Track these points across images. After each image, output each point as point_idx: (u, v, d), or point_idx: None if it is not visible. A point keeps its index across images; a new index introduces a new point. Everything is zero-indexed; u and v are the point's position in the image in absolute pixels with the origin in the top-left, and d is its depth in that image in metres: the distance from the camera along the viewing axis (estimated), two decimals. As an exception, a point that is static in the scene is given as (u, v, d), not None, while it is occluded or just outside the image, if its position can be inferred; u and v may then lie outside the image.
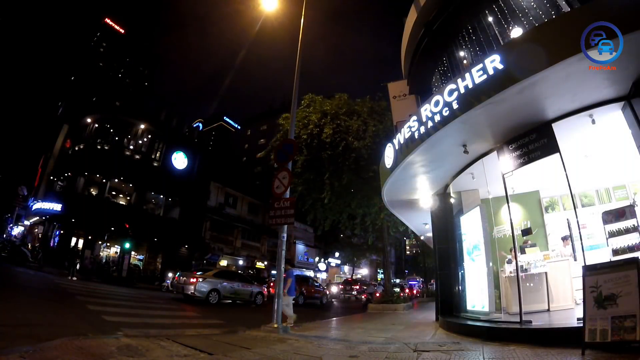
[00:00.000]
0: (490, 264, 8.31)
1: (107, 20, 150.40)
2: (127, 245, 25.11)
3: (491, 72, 6.29)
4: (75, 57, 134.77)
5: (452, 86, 7.20)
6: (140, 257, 30.82)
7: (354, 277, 46.67)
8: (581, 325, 4.72)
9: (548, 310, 7.97)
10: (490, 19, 9.72)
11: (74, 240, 28.74)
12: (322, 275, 48.95)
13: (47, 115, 59.29)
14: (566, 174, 6.41)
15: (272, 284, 22.49)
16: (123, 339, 5.47)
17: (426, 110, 7.96)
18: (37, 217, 32.75)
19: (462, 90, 6.89)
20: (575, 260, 8.13)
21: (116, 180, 30.79)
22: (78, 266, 21.96)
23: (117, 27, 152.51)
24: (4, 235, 36.23)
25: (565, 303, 8.02)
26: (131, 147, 31.79)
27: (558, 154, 6.46)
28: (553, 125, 6.64)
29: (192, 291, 15.31)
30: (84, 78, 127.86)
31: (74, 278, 19.76)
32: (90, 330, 6.22)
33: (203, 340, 6.32)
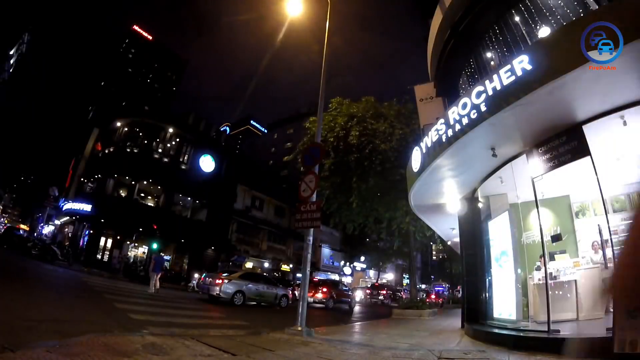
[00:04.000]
0: (519, 270, 8.09)
1: (136, 28, 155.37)
2: (155, 245, 25.63)
3: (519, 73, 6.13)
4: (105, 64, 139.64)
5: (479, 88, 7.06)
6: (167, 257, 31.37)
7: (379, 282, 46.33)
8: (610, 335, 4.52)
9: (577, 319, 7.67)
10: (517, 18, 9.50)
11: (102, 239, 29.66)
12: (348, 279, 48.74)
13: (79, 120, 61.25)
14: (597, 178, 6.15)
15: (296, 287, 22.59)
16: (148, 337, 5.51)
17: (454, 112, 7.85)
18: (68, 217, 33.94)
19: (490, 92, 6.75)
20: (606, 267, 7.82)
21: (145, 182, 31.48)
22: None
23: (145, 34, 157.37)
24: (35, 234, 37.51)
25: (594, 312, 7.71)
26: (160, 150, 32.45)
27: (589, 157, 6.21)
28: (583, 127, 6.39)
29: (218, 292, 15.45)
30: (113, 83, 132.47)
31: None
32: (117, 327, 6.34)
33: (227, 340, 6.33)
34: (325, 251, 48.50)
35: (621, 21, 4.74)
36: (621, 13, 4.94)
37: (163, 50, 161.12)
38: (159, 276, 17.66)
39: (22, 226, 51.46)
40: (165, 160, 32.28)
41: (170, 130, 32.72)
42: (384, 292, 36.38)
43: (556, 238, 8.79)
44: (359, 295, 34.37)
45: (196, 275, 24.37)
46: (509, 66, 6.36)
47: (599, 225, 8.27)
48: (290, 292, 20.28)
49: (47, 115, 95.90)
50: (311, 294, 21.87)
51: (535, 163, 7.37)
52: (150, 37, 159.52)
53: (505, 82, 6.40)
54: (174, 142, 33.26)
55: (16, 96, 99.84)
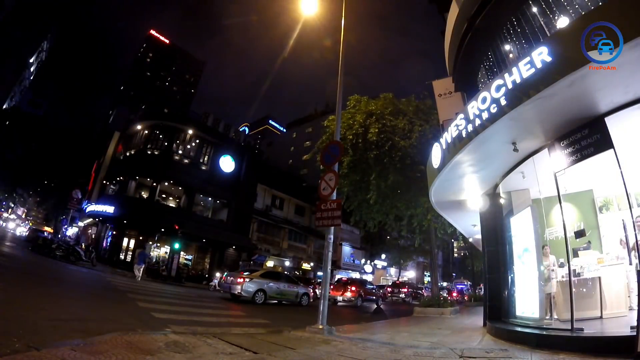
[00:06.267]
0: (542, 267, 7.92)
1: (153, 32, 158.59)
2: (177, 245, 26.03)
3: (539, 65, 5.98)
4: (124, 69, 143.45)
5: (499, 82, 6.93)
6: (189, 257, 31.71)
7: (400, 280, 46.10)
8: (634, 334, 4.39)
9: (600, 317, 7.46)
10: (534, 9, 9.28)
11: (125, 240, 30.22)
12: (368, 278, 48.66)
13: (100, 124, 62.74)
14: (621, 172, 5.95)
15: (317, 286, 22.68)
16: (171, 336, 5.60)
17: (473, 107, 7.73)
18: (91, 219, 34.71)
19: (510, 86, 6.61)
20: (630, 264, 7.58)
21: (166, 183, 31.80)
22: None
23: (162, 38, 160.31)
24: (59, 236, 38.29)
25: (618, 310, 7.49)
26: (180, 151, 32.67)
27: (612, 149, 6.00)
28: (606, 119, 6.19)
29: (239, 291, 15.61)
30: (133, 88, 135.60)
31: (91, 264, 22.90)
32: (140, 326, 6.45)
33: (248, 339, 6.39)
34: (346, 249, 48.44)
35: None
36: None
37: (180, 53, 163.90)
38: (142, 267, 21.53)
39: (46, 228, 52.67)
40: (186, 161, 32.54)
41: (190, 131, 32.96)
42: (405, 290, 36.09)
43: (580, 234, 8.59)
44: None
45: (218, 275, 24.76)
46: (528, 58, 6.21)
47: (623, 220, 8.04)
48: (311, 291, 20.36)
49: (69, 120, 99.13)
50: (340, 292, 22.11)
51: (558, 157, 7.18)
52: (167, 41, 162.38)
53: (525, 74, 6.25)
54: (193, 144, 33.50)
55: (38, 102, 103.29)
